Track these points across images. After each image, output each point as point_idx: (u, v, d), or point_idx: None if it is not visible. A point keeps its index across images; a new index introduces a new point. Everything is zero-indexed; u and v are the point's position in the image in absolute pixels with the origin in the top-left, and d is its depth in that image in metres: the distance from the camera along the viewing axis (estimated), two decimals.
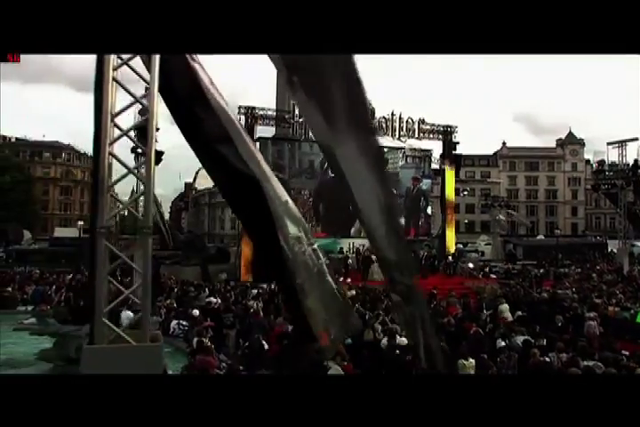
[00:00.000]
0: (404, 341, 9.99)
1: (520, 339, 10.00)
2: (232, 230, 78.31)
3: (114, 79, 3.48)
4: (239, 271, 26.57)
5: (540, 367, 8.41)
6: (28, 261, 32.11)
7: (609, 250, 39.34)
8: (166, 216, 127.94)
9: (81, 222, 39.49)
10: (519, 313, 13.81)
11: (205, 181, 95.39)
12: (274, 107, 30.41)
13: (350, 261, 25.31)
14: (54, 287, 19.61)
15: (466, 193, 41.00)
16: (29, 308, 17.00)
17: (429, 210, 32.36)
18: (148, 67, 3.61)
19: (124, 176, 3.71)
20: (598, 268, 28.28)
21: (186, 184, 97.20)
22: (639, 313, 14.69)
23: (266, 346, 10.28)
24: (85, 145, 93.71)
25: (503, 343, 10.07)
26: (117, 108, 3.62)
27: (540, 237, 53.35)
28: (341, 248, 28.45)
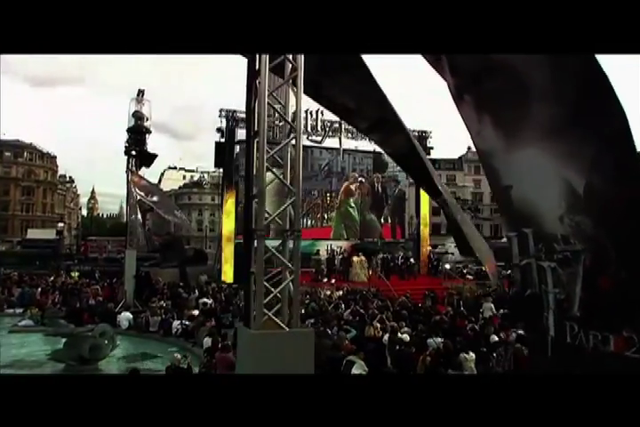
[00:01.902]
0: (406, 337, 10.62)
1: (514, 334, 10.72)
2: (199, 232, 78.19)
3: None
4: (219, 273, 26.75)
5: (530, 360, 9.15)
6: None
7: None
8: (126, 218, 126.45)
9: (61, 224, 38.84)
10: (502, 311, 14.65)
11: (171, 183, 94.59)
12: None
13: (336, 262, 25.83)
14: (39, 290, 19.50)
15: None
16: (18, 310, 16.93)
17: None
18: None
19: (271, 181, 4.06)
20: None
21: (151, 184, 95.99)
22: None
23: None
24: (46, 144, 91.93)
25: (496, 338, 10.77)
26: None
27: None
28: (318, 250, 28.91)
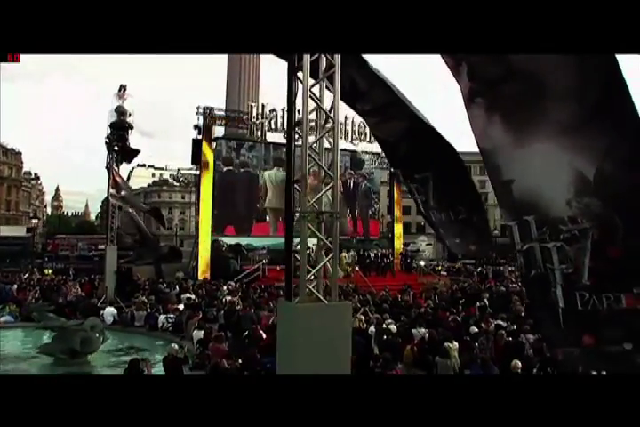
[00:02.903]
0: (393, 328, 11.02)
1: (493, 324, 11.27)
2: (168, 231, 77.37)
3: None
4: (196, 270, 26.73)
5: (512, 346, 9.70)
6: None
7: None
8: (92, 216, 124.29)
9: (35, 221, 38.07)
10: (479, 304, 15.25)
11: (140, 180, 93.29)
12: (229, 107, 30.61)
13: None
14: (15, 286, 19.30)
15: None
16: None
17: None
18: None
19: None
20: None
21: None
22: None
23: (264, 335, 10.93)
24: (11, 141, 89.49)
25: (476, 329, 11.29)
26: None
27: None
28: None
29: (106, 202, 20.55)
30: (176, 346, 9.23)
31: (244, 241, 28.11)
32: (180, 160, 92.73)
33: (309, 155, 4.14)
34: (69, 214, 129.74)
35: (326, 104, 4.53)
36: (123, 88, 17.77)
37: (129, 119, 17.83)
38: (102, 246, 41.93)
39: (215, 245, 26.67)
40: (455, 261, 35.43)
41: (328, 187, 4.27)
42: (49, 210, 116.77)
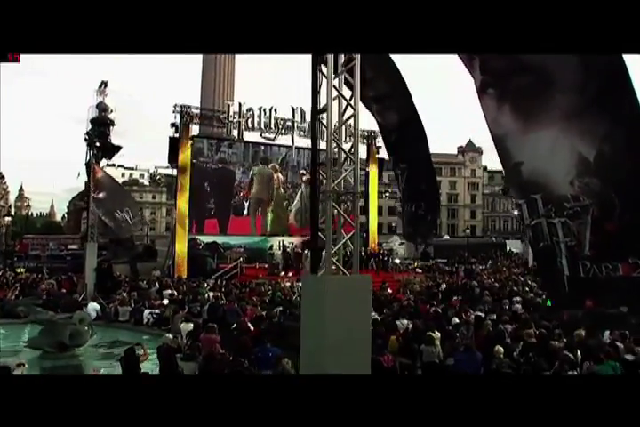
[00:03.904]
0: (377, 318, 11.39)
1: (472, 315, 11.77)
2: (140, 231, 76.42)
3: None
4: (172, 269, 26.65)
5: (494, 334, 10.16)
6: None
7: (508, 249, 43.57)
8: (58, 217, 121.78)
9: (8, 218, 37.28)
10: (455, 298, 15.83)
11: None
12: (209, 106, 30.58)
13: (291, 256, 26.39)
14: None
15: (387, 195, 43.67)
16: None
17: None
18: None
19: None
20: (506, 262, 31.68)
21: (86, 183, 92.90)
22: (549, 299, 17.12)
23: (251, 327, 11.16)
24: None
25: (457, 320, 11.77)
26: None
27: (446, 237, 57.41)
28: (272, 245, 29.35)
29: (85, 200, 20.36)
30: (170, 336, 9.39)
31: (220, 239, 28.16)
32: (151, 160, 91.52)
33: (333, 139, 4.43)
34: (34, 215, 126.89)
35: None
36: (104, 84, 17.73)
37: (110, 115, 17.79)
38: (73, 246, 41.66)
39: (192, 244, 26.68)
40: (428, 260, 36.21)
41: (350, 169, 4.59)
42: (12, 210, 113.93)
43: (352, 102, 4.53)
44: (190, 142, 26.91)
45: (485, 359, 8.69)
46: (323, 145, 4.88)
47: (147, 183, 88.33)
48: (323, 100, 4.74)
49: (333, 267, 4.26)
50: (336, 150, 4.75)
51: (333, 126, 4.67)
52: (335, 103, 4.70)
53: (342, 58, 4.47)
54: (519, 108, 5.02)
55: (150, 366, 8.74)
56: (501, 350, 8.66)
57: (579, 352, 8.14)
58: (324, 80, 4.46)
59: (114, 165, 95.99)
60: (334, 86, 4.39)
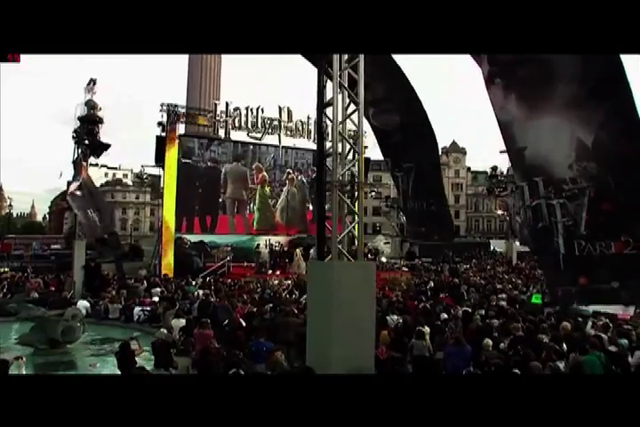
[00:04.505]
0: None
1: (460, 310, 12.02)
2: (122, 231, 75.82)
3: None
4: (158, 268, 26.58)
5: (482, 329, 10.39)
6: None
7: (492, 248, 44.11)
8: (39, 217, 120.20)
9: None
10: (442, 295, 16.08)
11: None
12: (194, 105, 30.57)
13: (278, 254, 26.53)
14: None
15: (372, 195, 43.95)
16: None
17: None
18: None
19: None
20: (490, 261, 32.18)
21: (69, 183, 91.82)
22: (534, 295, 17.46)
23: (243, 323, 11.25)
24: None
25: (446, 316, 12.01)
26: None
27: None
28: (258, 244, 29.40)
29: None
30: (165, 331, 9.46)
31: (207, 239, 28.13)
32: (135, 158, 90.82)
33: (339, 132, 4.59)
34: (14, 215, 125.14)
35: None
36: (92, 82, 17.65)
37: (99, 113, 17.73)
38: (56, 246, 41.33)
39: (178, 243, 26.64)
40: (413, 259, 36.61)
41: (354, 161, 4.76)
42: None
43: (357, 98, 4.69)
44: (177, 141, 26.93)
45: (474, 352, 8.91)
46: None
47: (130, 183, 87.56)
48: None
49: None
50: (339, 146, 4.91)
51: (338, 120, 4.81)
52: (338, 101, 4.85)
53: (346, 55, 4.63)
54: (524, 96, 5.45)
55: (142, 361, 8.80)
56: (490, 342, 8.89)
57: (564, 345, 8.43)
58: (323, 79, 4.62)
59: (97, 165, 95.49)
60: (340, 82, 4.54)
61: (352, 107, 4.88)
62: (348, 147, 4.85)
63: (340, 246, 4.52)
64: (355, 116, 4.73)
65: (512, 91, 5.41)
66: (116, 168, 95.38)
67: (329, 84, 4.72)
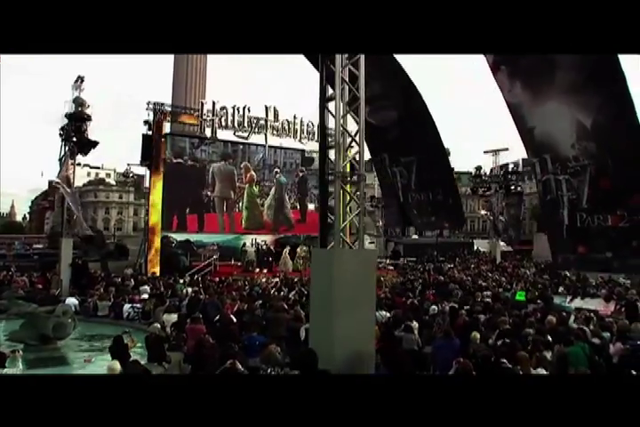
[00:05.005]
0: None
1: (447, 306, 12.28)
2: (105, 231, 75.14)
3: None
4: (144, 267, 26.49)
5: (469, 323, 10.64)
6: None
7: (475, 248, 44.71)
8: (18, 217, 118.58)
9: None
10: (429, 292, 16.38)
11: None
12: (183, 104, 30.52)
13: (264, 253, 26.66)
14: None
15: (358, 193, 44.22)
16: None
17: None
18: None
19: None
20: (475, 260, 32.67)
21: (50, 182, 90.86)
22: (518, 293, 17.81)
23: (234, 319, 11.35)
24: None
25: (434, 307, 12.33)
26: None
27: (415, 236, 58.36)
28: (244, 243, 29.45)
29: (49, 200, 20.10)
30: (158, 325, 9.53)
31: (193, 237, 28.11)
32: (116, 158, 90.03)
33: (341, 125, 4.76)
34: None
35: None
36: (80, 79, 17.59)
37: (87, 110, 17.66)
38: (38, 246, 40.94)
39: (164, 242, 26.59)
40: (398, 258, 37.01)
41: (355, 152, 4.94)
42: None
43: (358, 93, 4.87)
44: (163, 140, 26.87)
45: (462, 346, 9.13)
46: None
47: (113, 182, 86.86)
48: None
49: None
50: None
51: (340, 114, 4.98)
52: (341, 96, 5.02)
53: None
54: (529, 81, 5.96)
55: (135, 356, 8.86)
56: (477, 335, 9.13)
57: (549, 337, 8.69)
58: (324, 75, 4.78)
59: (79, 164, 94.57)
60: (342, 78, 4.71)
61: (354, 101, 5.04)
62: (348, 140, 5.02)
63: (342, 234, 4.69)
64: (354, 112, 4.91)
65: (517, 77, 5.90)
66: (98, 167, 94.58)
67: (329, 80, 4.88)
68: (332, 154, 4.87)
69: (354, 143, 4.93)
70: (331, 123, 4.85)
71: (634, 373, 6.23)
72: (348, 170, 5.12)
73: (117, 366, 6.33)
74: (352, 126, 5.05)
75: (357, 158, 4.97)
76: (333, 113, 4.82)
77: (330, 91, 4.94)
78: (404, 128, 8.00)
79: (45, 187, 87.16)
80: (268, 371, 7.09)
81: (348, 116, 4.92)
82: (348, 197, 5.10)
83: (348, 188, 5.08)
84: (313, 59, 5.43)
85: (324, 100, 4.92)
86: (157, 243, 25.90)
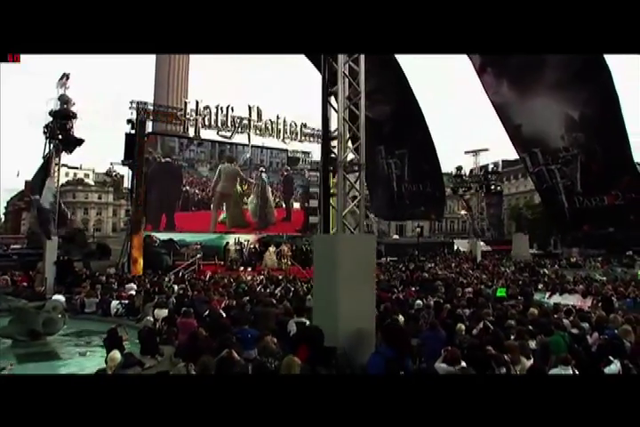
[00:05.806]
0: None
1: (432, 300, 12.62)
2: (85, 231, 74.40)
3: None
4: (127, 266, 26.39)
5: (454, 317, 10.96)
6: None
7: (456, 248, 45.40)
8: None
9: None
10: (413, 288, 16.74)
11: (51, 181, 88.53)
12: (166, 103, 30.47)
13: (246, 252, 26.83)
14: None
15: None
16: None
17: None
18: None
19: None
20: (455, 259, 33.29)
21: (26, 182, 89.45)
22: (499, 289, 18.25)
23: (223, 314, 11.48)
24: None
25: (420, 302, 12.64)
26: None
27: (395, 237, 59.04)
28: (227, 242, 29.51)
29: (25, 200, 19.96)
30: (151, 319, 9.64)
31: (176, 237, 28.11)
32: (96, 158, 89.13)
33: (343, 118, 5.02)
34: None
35: None
36: (65, 76, 17.51)
37: (73, 108, 17.60)
38: (16, 246, 40.38)
39: (147, 241, 26.54)
40: (380, 257, 37.47)
41: (356, 144, 5.20)
42: None
43: (359, 88, 5.14)
44: (146, 139, 26.85)
45: (448, 337, 9.44)
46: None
47: (92, 183, 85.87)
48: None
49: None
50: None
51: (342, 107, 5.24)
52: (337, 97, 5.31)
53: None
54: (515, 81, 6.35)
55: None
56: (463, 327, 9.44)
57: (531, 328, 9.04)
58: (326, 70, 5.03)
59: (57, 164, 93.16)
60: (344, 73, 4.96)
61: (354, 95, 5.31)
62: (349, 133, 5.29)
63: (343, 220, 4.97)
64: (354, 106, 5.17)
65: (503, 77, 6.31)
66: (77, 168, 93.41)
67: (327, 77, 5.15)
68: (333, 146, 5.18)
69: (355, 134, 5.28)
70: (332, 116, 5.16)
71: (612, 359, 6.60)
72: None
73: (118, 355, 6.47)
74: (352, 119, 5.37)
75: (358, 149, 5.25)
76: (335, 107, 5.10)
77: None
78: (398, 123, 8.45)
79: (21, 187, 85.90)
80: (263, 361, 7.26)
81: (349, 109, 5.22)
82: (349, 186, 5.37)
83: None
84: (314, 56, 5.69)
85: (326, 94, 5.18)
86: (139, 243, 25.85)
